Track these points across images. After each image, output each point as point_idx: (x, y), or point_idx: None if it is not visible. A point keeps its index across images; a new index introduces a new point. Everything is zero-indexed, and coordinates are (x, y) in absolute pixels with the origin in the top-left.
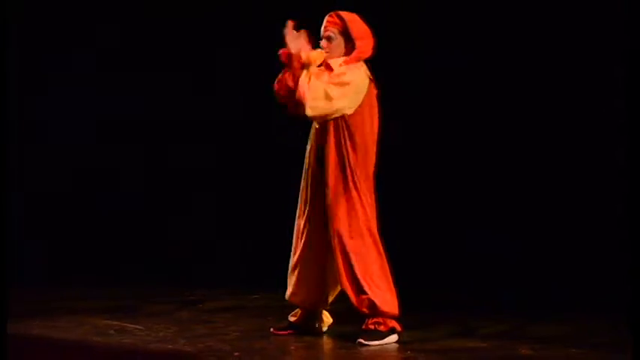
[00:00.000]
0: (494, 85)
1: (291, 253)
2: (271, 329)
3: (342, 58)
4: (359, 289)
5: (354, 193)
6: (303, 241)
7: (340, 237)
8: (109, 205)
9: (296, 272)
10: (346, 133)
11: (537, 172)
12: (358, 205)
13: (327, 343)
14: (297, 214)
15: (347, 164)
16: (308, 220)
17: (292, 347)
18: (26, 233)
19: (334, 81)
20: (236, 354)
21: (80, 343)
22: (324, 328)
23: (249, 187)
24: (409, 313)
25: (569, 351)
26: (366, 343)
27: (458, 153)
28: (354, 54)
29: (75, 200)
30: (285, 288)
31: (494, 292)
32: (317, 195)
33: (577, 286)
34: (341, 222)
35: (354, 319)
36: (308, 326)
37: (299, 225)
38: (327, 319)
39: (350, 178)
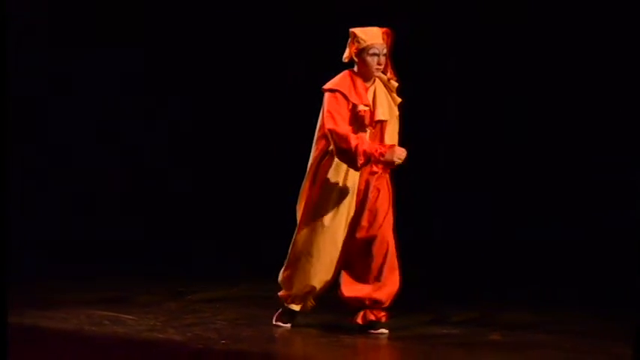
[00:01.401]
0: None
1: (319, 252)
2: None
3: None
4: (380, 279)
5: None
6: (338, 241)
7: (386, 232)
8: (97, 199)
9: (334, 267)
10: None
11: (509, 163)
12: None
13: (309, 331)
14: (324, 222)
15: None
16: (341, 223)
17: (277, 335)
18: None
19: None
20: (223, 342)
21: (76, 333)
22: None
23: (232, 178)
24: None
25: (537, 337)
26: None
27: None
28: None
29: (64, 194)
30: (270, 279)
31: (467, 280)
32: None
33: (551, 276)
34: (387, 215)
35: (334, 308)
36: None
37: (329, 227)
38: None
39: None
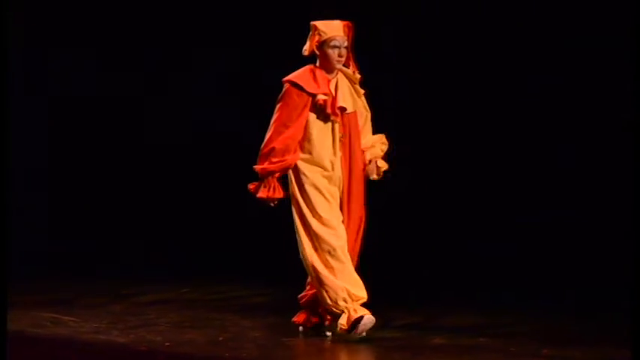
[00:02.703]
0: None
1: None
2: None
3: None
4: None
5: None
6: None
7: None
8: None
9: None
10: None
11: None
12: None
13: (253, 333)
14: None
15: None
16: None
17: (220, 338)
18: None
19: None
20: (167, 344)
21: (18, 334)
22: None
23: (183, 182)
24: None
25: (478, 340)
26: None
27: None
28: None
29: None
30: (214, 282)
31: (412, 284)
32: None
33: (496, 280)
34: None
35: (278, 311)
36: None
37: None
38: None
39: None
